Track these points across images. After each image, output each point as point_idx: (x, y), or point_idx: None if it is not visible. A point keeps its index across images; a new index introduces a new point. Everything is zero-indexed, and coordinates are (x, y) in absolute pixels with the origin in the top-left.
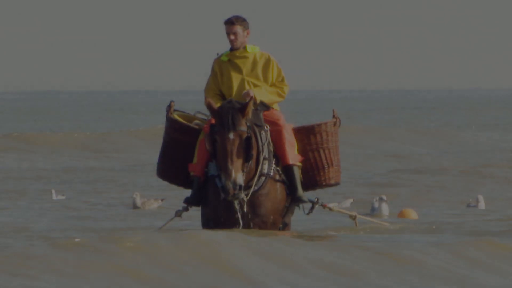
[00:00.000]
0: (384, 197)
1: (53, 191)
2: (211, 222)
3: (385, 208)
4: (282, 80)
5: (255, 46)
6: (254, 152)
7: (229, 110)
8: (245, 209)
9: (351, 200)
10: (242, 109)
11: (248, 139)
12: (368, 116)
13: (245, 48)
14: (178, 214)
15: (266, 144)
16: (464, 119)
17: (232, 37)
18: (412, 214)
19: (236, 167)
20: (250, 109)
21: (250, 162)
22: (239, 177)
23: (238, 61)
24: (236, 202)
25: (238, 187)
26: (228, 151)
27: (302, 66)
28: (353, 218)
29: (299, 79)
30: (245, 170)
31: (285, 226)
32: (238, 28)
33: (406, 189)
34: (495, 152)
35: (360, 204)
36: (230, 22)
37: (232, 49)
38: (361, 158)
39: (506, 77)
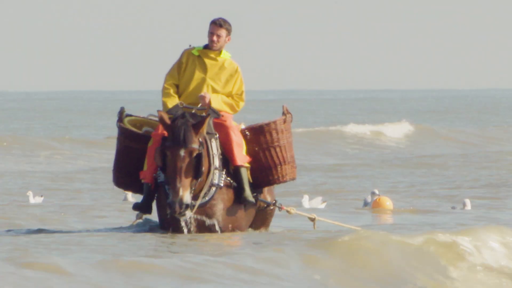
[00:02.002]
0: (376, 191)
1: (30, 194)
2: (161, 223)
3: None
4: (241, 95)
5: (227, 52)
6: (205, 169)
7: (181, 126)
8: (192, 226)
9: (325, 202)
10: (197, 125)
11: (199, 156)
12: None
13: (220, 51)
14: (139, 217)
15: (216, 153)
16: None
17: (215, 38)
18: (387, 203)
19: (184, 185)
20: (206, 126)
21: (199, 180)
22: (186, 196)
23: (207, 61)
24: (182, 219)
25: (184, 206)
26: (177, 168)
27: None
28: (312, 220)
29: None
30: (193, 188)
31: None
32: (223, 32)
33: None
34: None
35: None
36: (218, 24)
37: (206, 47)
38: None
39: None
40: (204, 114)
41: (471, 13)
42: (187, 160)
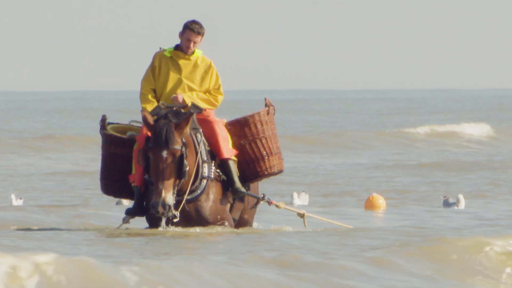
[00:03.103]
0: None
1: (13, 196)
2: (148, 221)
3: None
4: (218, 88)
5: (199, 50)
6: (193, 163)
7: (163, 127)
8: (176, 219)
9: (307, 197)
10: (180, 125)
11: (182, 156)
12: None
13: (193, 52)
14: (126, 221)
15: (202, 146)
16: None
17: (192, 45)
18: (380, 201)
19: (166, 186)
20: (190, 124)
21: (182, 180)
22: (169, 197)
23: (180, 61)
24: (164, 219)
25: (167, 207)
26: (160, 170)
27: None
28: (302, 216)
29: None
30: (176, 188)
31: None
32: (199, 38)
33: None
34: None
35: None
36: (196, 32)
37: (177, 48)
38: None
39: None
40: (185, 111)
41: (470, 12)
42: (169, 161)
